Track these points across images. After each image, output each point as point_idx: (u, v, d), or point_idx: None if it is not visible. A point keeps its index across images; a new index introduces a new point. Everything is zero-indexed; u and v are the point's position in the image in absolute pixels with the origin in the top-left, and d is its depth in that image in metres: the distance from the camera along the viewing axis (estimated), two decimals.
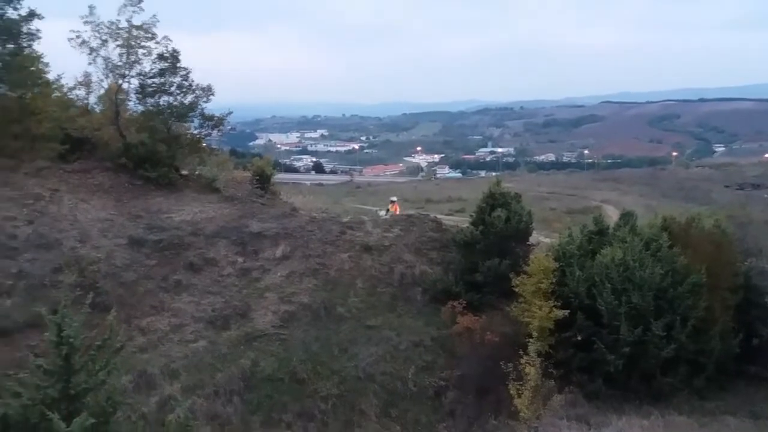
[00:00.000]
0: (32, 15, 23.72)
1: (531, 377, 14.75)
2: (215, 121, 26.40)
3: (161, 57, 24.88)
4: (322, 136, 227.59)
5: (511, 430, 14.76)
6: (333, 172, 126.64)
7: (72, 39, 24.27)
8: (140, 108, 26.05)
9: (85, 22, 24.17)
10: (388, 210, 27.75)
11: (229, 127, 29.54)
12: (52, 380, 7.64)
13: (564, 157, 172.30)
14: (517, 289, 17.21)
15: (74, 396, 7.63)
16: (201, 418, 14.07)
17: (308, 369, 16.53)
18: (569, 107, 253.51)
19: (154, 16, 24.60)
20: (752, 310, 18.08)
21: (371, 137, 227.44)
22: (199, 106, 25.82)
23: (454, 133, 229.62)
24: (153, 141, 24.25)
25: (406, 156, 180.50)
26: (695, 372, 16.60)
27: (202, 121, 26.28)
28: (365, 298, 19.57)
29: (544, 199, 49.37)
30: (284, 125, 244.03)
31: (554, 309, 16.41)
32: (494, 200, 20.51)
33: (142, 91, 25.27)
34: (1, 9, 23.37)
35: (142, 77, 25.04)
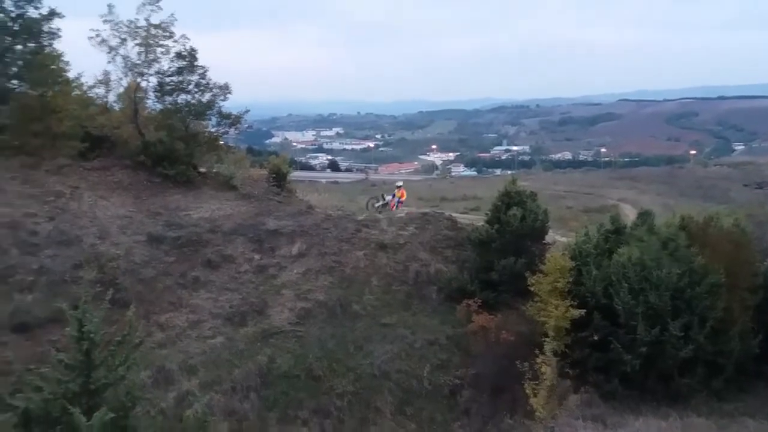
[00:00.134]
0: (53, 14, 24.06)
1: (547, 377, 14.71)
2: (232, 120, 26.59)
3: (179, 55, 25.11)
4: (337, 134, 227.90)
5: (526, 430, 14.72)
6: (348, 170, 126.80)
7: (92, 38, 24.57)
8: (159, 106, 26.30)
9: (105, 21, 24.46)
10: (384, 197, 27.33)
11: (246, 125, 29.72)
12: (73, 375, 7.76)
13: (580, 156, 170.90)
14: (532, 288, 17.12)
15: (94, 390, 7.75)
16: (218, 413, 14.22)
17: (324, 366, 16.63)
18: (586, 105, 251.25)
19: (172, 14, 24.84)
20: None
21: (386, 135, 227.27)
22: (217, 105, 26.02)
23: (470, 131, 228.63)
24: (171, 139, 24.47)
25: (421, 154, 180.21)
26: (714, 373, 16.41)
27: (219, 119, 26.49)
28: (380, 296, 19.62)
29: (560, 198, 49.00)
30: (300, 123, 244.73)
31: (570, 308, 16.30)
32: (510, 199, 20.44)
33: (161, 90, 25.52)
34: (22, 8, 23.73)
35: (160, 75, 25.29)
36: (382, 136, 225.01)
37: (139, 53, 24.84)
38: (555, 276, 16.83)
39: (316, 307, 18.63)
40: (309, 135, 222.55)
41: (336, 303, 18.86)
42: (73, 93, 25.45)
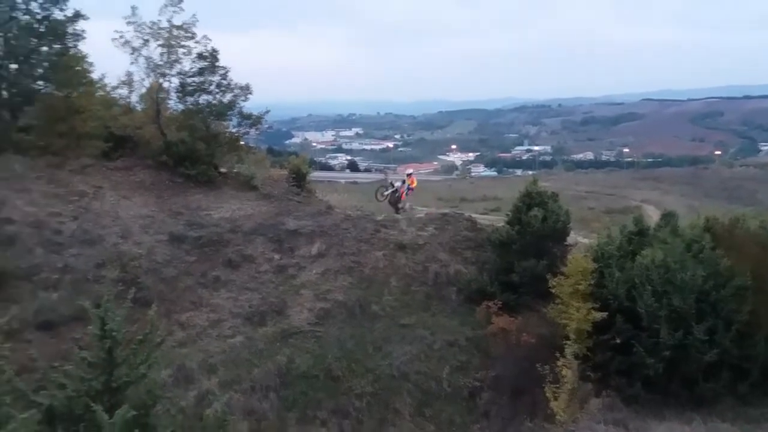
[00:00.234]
0: (77, 16, 24.42)
1: (568, 380, 14.54)
2: (253, 120, 26.75)
3: (201, 56, 25.33)
4: (356, 134, 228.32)
5: None
6: (367, 170, 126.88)
7: (115, 39, 24.88)
8: (180, 106, 26.55)
9: (128, 23, 24.75)
10: (392, 184, 26.25)
11: (267, 126, 29.87)
12: (95, 373, 7.84)
13: (603, 156, 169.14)
14: (554, 290, 16.94)
15: (116, 388, 7.82)
16: (238, 413, 14.29)
17: (343, 366, 16.63)
18: (608, 105, 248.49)
19: (194, 15, 25.06)
20: None
21: (406, 135, 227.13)
22: (238, 105, 26.20)
23: (490, 131, 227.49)
24: (193, 139, 24.70)
25: (441, 154, 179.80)
26: (739, 377, 16.08)
27: (240, 120, 26.67)
28: (399, 296, 19.58)
29: (582, 199, 48.58)
30: (320, 124, 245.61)
31: (592, 311, 16.10)
32: (531, 199, 20.26)
33: (183, 90, 25.76)
34: (48, 10, 24.11)
35: (182, 76, 25.52)
36: (402, 137, 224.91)
37: (162, 54, 25.11)
38: (577, 278, 16.64)
39: (335, 308, 18.65)
40: (328, 135, 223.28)
41: (355, 303, 18.86)
42: (97, 94, 25.82)
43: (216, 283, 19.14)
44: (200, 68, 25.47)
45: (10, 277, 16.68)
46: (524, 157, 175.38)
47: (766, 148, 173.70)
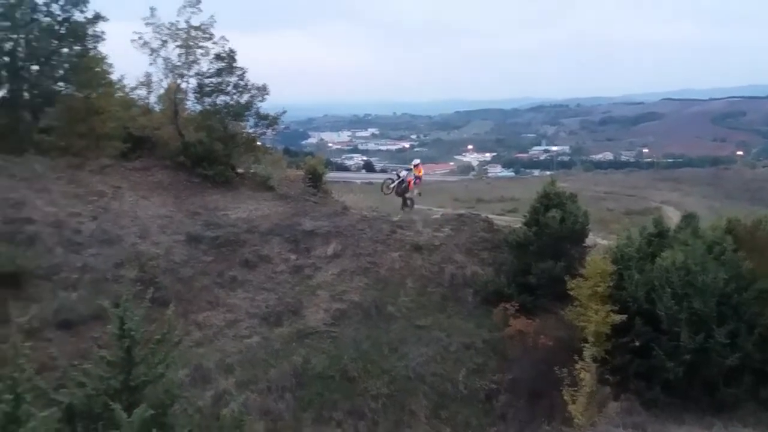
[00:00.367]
0: (97, 17, 24.69)
1: (586, 383, 14.42)
2: (270, 120, 26.85)
3: (218, 57, 25.48)
4: (372, 134, 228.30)
5: None
6: (383, 170, 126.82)
7: (134, 40, 25.12)
8: (198, 107, 26.72)
9: (147, 24, 24.97)
10: (398, 175, 25.52)
11: (283, 126, 29.98)
12: (114, 371, 7.89)
13: (622, 156, 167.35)
14: (572, 293, 16.80)
15: (134, 387, 7.86)
16: (254, 413, 14.32)
17: (359, 367, 16.61)
18: (628, 104, 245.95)
19: (212, 16, 25.22)
20: None
21: (422, 136, 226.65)
22: (255, 106, 26.31)
23: (507, 131, 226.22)
24: (210, 140, 24.84)
25: (457, 155, 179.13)
26: (761, 382, 15.82)
27: (257, 120, 26.78)
28: (415, 297, 19.53)
29: (601, 200, 48.06)
30: (336, 124, 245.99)
31: (611, 313, 15.95)
32: (549, 200, 20.08)
33: (200, 91, 25.93)
34: (69, 12, 24.41)
35: (200, 77, 25.69)
36: (418, 137, 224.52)
37: (180, 55, 25.30)
38: (595, 280, 16.49)
39: (351, 308, 18.65)
40: (344, 136, 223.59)
41: (371, 304, 18.84)
42: (116, 95, 26.09)
43: (233, 283, 19.23)
44: (218, 69, 25.62)
45: (31, 277, 16.89)
46: (542, 158, 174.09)
47: None
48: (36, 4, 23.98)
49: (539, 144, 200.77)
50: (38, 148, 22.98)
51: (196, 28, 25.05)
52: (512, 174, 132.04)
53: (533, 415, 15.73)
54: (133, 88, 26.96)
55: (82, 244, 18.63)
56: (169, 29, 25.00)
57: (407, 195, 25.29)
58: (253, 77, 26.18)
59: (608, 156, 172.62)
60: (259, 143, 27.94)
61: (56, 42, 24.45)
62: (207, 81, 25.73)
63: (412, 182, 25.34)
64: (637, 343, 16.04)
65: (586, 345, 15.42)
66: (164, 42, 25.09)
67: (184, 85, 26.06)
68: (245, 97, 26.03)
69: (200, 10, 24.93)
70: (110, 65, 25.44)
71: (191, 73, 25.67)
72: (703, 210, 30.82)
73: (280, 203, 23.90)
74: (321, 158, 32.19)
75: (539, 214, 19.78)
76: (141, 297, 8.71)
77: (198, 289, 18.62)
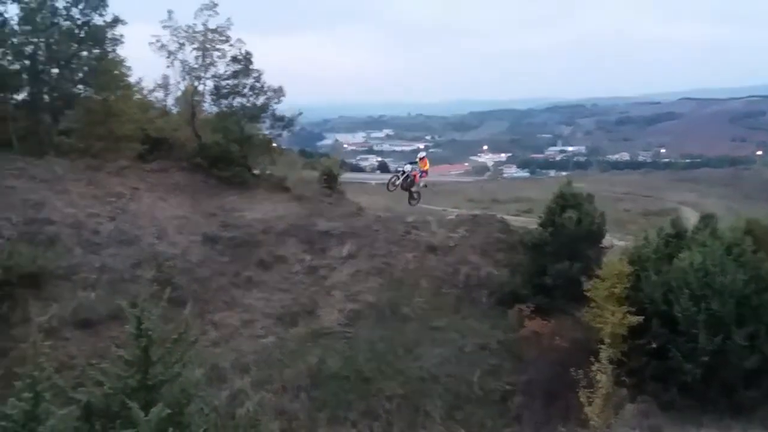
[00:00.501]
0: (116, 21, 25.00)
1: (602, 385, 14.32)
2: (286, 122, 27.02)
3: (235, 59, 25.69)
4: (387, 135, 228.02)
5: None
6: (397, 171, 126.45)
7: (152, 43, 25.39)
8: (215, 109, 26.97)
9: (164, 27, 25.23)
10: (404, 173, 24.50)
11: (298, 128, 30.08)
12: (131, 371, 7.95)
13: (639, 157, 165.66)
14: (588, 294, 16.71)
15: (152, 387, 7.92)
16: (269, 412, 14.38)
17: (373, 368, 16.65)
18: (645, 104, 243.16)
19: (229, 19, 25.44)
20: None
21: (436, 136, 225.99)
22: (271, 107, 26.50)
23: (522, 131, 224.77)
24: (227, 141, 25.02)
25: (472, 155, 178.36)
26: None
27: (273, 122, 26.96)
28: (430, 298, 19.51)
29: (617, 200, 47.52)
30: (351, 125, 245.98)
31: (628, 315, 15.84)
32: (565, 201, 19.94)
33: (217, 93, 26.16)
34: (88, 16, 24.73)
35: (216, 79, 25.94)
36: (432, 137, 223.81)
37: (197, 57, 25.55)
38: (612, 281, 16.38)
39: (366, 309, 18.68)
40: (359, 137, 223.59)
41: (385, 305, 18.87)
42: (134, 97, 26.39)
43: (248, 283, 19.36)
44: (234, 71, 25.83)
45: (51, 277, 17.15)
46: (558, 158, 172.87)
47: None
48: (56, 8, 24.34)
49: (555, 144, 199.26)
50: (58, 150, 23.32)
51: (213, 31, 25.27)
52: (527, 174, 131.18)
53: (549, 416, 15.65)
54: (151, 91, 27.32)
55: (101, 245, 18.87)
56: (186, 32, 25.26)
57: (413, 189, 24.79)
58: (269, 79, 26.40)
59: (625, 156, 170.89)
60: (274, 145, 28.10)
61: (76, 45, 24.78)
62: (224, 83, 25.96)
63: (418, 176, 24.60)
64: (654, 345, 15.91)
65: (603, 346, 15.31)
66: (181, 45, 25.36)
67: (201, 88, 26.36)
68: (261, 99, 26.23)
69: (217, 13, 25.21)
70: (128, 68, 25.78)
71: (208, 75, 25.95)
72: (721, 211, 30.43)
73: (295, 204, 24.00)
74: (336, 159, 32.28)
75: (555, 215, 19.66)
76: (158, 297, 8.78)
77: (214, 289, 18.77)
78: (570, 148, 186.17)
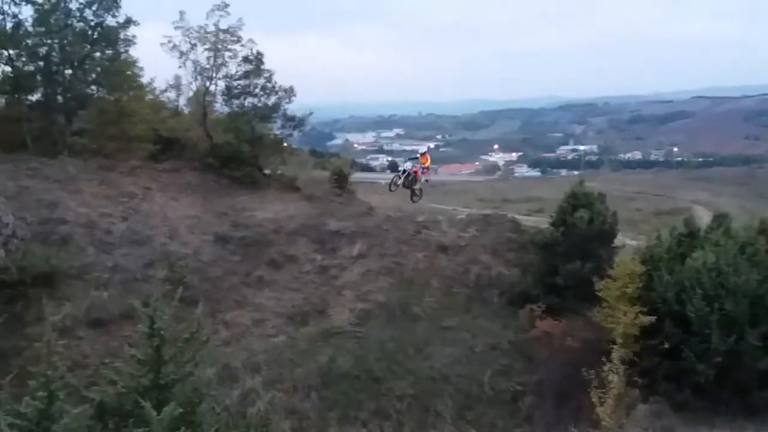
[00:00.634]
0: (129, 22, 25.20)
1: (614, 385, 14.25)
2: (296, 122, 27.10)
3: (246, 59, 25.80)
4: (397, 135, 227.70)
5: None
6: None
7: (164, 44, 25.56)
8: (226, 109, 27.10)
9: (176, 27, 25.39)
10: (405, 171, 23.51)
11: (309, 128, 30.14)
12: (144, 370, 8.00)
13: (651, 156, 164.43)
14: (600, 294, 16.61)
15: (164, 386, 7.97)
16: (280, 412, 14.43)
17: (384, 367, 16.66)
18: (657, 102, 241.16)
19: (240, 19, 25.54)
20: None
21: (447, 136, 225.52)
22: (282, 107, 26.60)
23: (534, 130, 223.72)
24: (238, 141, 25.15)
25: (483, 154, 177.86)
26: None
27: (284, 122, 27.07)
28: (440, 298, 19.49)
29: (629, 200, 47.19)
30: (361, 125, 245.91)
31: (640, 315, 15.73)
32: (577, 200, 19.82)
33: (228, 93, 26.29)
34: (101, 17, 24.93)
35: (228, 79, 26.08)
36: (443, 137, 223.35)
37: (208, 58, 25.71)
38: (624, 281, 16.27)
39: (376, 308, 18.70)
40: (369, 136, 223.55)
41: (396, 304, 18.87)
42: (147, 97, 26.59)
43: (259, 282, 19.44)
44: (246, 71, 25.95)
45: (64, 276, 17.32)
46: (569, 157, 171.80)
47: None
48: (70, 10, 24.57)
49: (566, 143, 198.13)
50: (71, 150, 23.54)
51: (225, 31, 25.40)
52: (539, 174, 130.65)
53: (560, 417, 15.59)
54: (163, 91, 27.54)
55: (113, 244, 19.03)
56: (198, 32, 25.42)
57: (415, 186, 24.41)
58: (280, 79, 26.49)
59: (637, 155, 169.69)
60: (285, 144, 28.19)
61: (89, 46, 25.00)
62: (235, 83, 26.10)
63: (419, 172, 23.60)
64: (667, 345, 15.78)
65: (615, 347, 15.23)
66: (193, 45, 25.52)
67: (212, 88, 26.49)
68: (272, 99, 26.35)
69: (228, 14, 25.33)
70: (141, 69, 25.99)
71: (220, 75, 26.10)
72: (735, 210, 30.11)
73: (306, 204, 24.06)
74: (346, 159, 32.36)
75: (567, 215, 19.55)
76: (170, 296, 8.83)
77: (226, 288, 18.87)
78: (582, 147, 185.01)
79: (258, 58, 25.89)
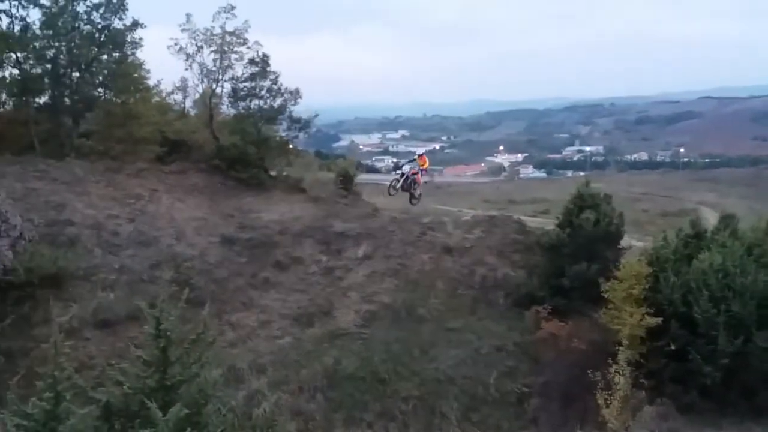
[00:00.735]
0: (135, 24, 25.38)
1: (620, 387, 14.21)
2: (302, 124, 27.21)
3: (252, 62, 25.92)
4: (403, 136, 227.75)
5: None
6: None
7: (171, 46, 25.71)
8: (232, 111, 27.23)
9: (183, 30, 25.55)
10: (403, 174, 23.94)
11: (315, 129, 30.24)
12: (150, 371, 8.04)
13: (658, 156, 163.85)
14: (606, 295, 16.54)
15: (170, 387, 8.00)
16: (286, 413, 14.47)
17: (389, 369, 16.64)
18: (664, 103, 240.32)
19: (246, 21, 25.67)
20: None
21: (452, 137, 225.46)
22: (287, 109, 26.70)
23: (540, 131, 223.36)
24: (244, 143, 25.26)
25: (488, 156, 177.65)
26: None
27: (289, 124, 27.18)
28: (446, 300, 19.46)
29: (635, 201, 47.02)
30: (366, 126, 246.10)
31: (646, 316, 15.66)
32: (583, 201, 19.75)
33: (235, 95, 26.41)
34: (108, 20, 25.10)
35: (234, 81, 26.23)
36: (448, 138, 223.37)
37: (215, 60, 25.84)
38: (630, 282, 16.21)
39: (382, 310, 18.69)
40: (375, 138, 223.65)
41: (401, 306, 18.85)
42: (153, 100, 26.74)
43: (265, 284, 19.49)
44: (252, 73, 26.08)
45: (71, 278, 17.42)
46: (575, 158, 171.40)
47: None
48: (77, 13, 24.75)
49: (572, 144, 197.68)
50: (78, 152, 23.70)
51: (231, 34, 25.56)
52: (544, 175, 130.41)
53: (566, 418, 15.54)
54: (170, 93, 27.71)
55: (120, 246, 19.12)
56: (204, 35, 25.57)
57: (413, 190, 23.96)
58: (286, 81, 26.59)
59: (643, 156, 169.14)
60: (291, 146, 28.28)
61: (96, 49, 25.18)
62: (241, 85, 26.23)
63: (419, 175, 24.01)
64: (673, 347, 15.71)
65: (621, 348, 15.19)
66: (200, 47, 25.70)
67: (218, 90, 26.64)
68: (278, 101, 26.47)
69: (235, 16, 25.51)
70: (147, 71, 26.16)
71: (226, 77, 26.27)
72: (742, 211, 29.93)
73: (311, 205, 24.11)
74: (352, 160, 32.43)
75: (573, 216, 19.48)
76: (176, 298, 8.87)
77: (232, 290, 18.92)
78: (588, 148, 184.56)
79: (264, 60, 26.01)
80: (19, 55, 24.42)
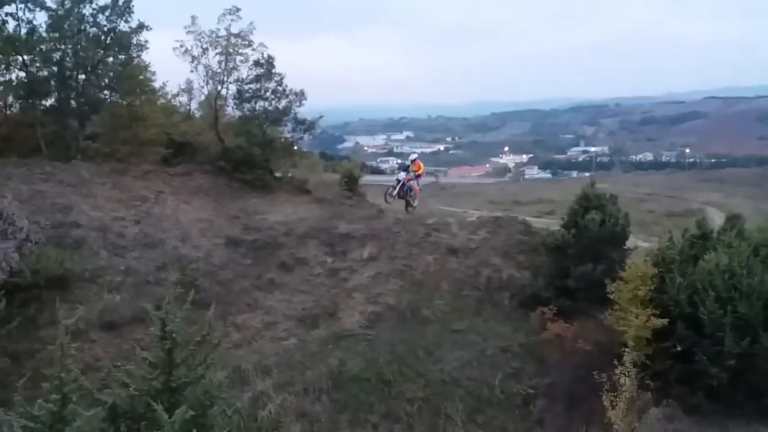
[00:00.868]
0: (141, 27, 25.52)
1: (626, 388, 14.16)
2: (307, 125, 27.25)
3: (257, 63, 25.98)
4: (407, 137, 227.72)
5: None
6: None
7: (176, 48, 25.81)
8: (237, 113, 27.31)
9: (188, 32, 25.62)
10: (399, 181, 23.89)
11: (319, 131, 30.30)
12: (156, 372, 8.06)
13: (663, 157, 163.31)
14: (612, 296, 16.49)
15: (175, 388, 8.02)
16: (291, 414, 14.47)
17: (394, 370, 16.62)
18: (669, 103, 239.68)
19: (251, 23, 25.74)
20: None
21: (457, 138, 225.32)
22: (292, 111, 26.77)
23: (545, 132, 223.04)
24: (249, 145, 25.32)
25: (493, 156, 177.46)
26: None
27: (294, 125, 27.24)
28: (451, 301, 19.43)
29: (641, 201, 46.90)
30: (371, 128, 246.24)
31: (652, 317, 15.61)
32: (588, 202, 19.68)
33: (240, 97, 26.49)
34: (114, 22, 25.23)
35: (239, 83, 26.27)
36: (453, 139, 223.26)
37: (220, 62, 25.91)
38: (636, 283, 16.15)
39: (386, 311, 18.67)
40: (379, 139, 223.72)
41: (406, 307, 18.83)
42: (158, 102, 26.87)
43: (270, 285, 19.51)
44: (257, 75, 26.16)
45: (77, 280, 17.49)
46: (580, 159, 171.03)
47: None
48: (83, 15, 24.89)
49: (577, 145, 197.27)
50: (84, 154, 23.84)
51: (236, 36, 25.62)
52: (549, 176, 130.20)
53: (571, 420, 15.50)
54: (175, 95, 27.85)
55: (126, 248, 19.19)
56: (209, 37, 25.66)
57: (409, 198, 24.12)
58: (291, 82, 26.66)
59: (648, 156, 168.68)
60: (296, 147, 28.35)
61: (102, 51, 25.30)
62: (246, 87, 26.31)
63: (414, 183, 23.95)
64: (679, 348, 15.65)
65: (626, 349, 15.13)
66: (205, 49, 25.76)
67: (223, 92, 26.71)
68: (283, 103, 26.55)
69: (240, 18, 25.54)
70: (153, 73, 26.30)
71: (231, 79, 26.32)
72: (748, 211, 29.81)
73: (316, 207, 24.14)
74: (356, 162, 32.53)
75: (578, 216, 19.41)
76: (182, 299, 8.90)
77: (237, 291, 18.96)
78: (593, 149, 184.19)
79: (269, 62, 26.08)
80: (25, 57, 24.56)
